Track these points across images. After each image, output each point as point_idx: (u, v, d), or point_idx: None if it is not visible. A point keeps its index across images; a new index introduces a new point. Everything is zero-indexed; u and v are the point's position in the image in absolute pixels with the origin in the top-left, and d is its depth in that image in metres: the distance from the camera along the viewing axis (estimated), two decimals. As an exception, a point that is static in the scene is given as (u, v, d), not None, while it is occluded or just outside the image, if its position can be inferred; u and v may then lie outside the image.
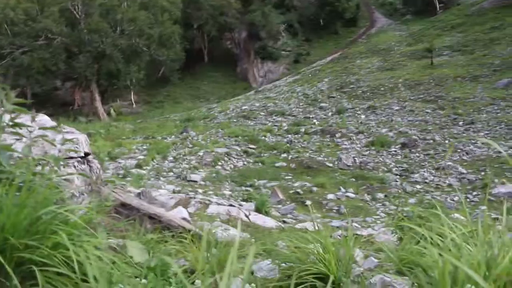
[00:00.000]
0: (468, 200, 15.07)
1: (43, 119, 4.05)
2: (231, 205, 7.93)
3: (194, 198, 8.75)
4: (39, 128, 2.47)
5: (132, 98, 55.88)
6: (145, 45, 48.97)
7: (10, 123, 1.91)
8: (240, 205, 10.02)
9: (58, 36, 45.21)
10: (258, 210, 8.29)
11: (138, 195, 5.22)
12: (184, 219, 3.49)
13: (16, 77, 45.62)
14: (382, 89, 37.59)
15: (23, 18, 44.08)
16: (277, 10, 66.99)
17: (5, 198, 1.46)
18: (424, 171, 19.12)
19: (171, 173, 18.88)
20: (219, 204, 6.87)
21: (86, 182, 3.55)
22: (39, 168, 1.89)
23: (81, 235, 1.63)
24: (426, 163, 20.48)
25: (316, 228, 3.38)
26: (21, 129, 1.97)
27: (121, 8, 47.31)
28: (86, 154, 4.01)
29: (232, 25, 67.53)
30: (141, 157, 22.12)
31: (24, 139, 2.06)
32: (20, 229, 1.49)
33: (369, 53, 52.28)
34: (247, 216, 5.46)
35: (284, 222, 7.81)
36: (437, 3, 63.56)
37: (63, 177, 1.96)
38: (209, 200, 8.57)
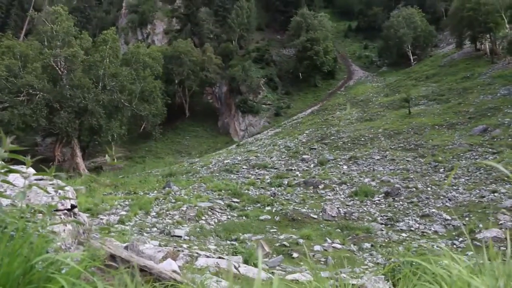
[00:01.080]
0: (454, 246, 15.00)
1: (29, 171, 3.94)
2: (220, 257, 7.72)
3: (182, 251, 8.51)
4: (32, 175, 2.39)
5: (113, 154, 55.46)
6: (127, 100, 49.23)
7: (3, 170, 1.84)
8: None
9: (40, 92, 45.19)
10: (246, 262, 8.09)
11: (126, 248, 5.03)
12: (174, 271, 3.36)
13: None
14: (362, 139, 38.09)
15: (5, 75, 44.09)
16: (257, 65, 68.61)
17: None
18: (409, 219, 19.10)
19: (155, 229, 18.48)
20: (208, 256, 6.67)
21: (73, 235, 3.43)
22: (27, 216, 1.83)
23: (78, 284, 1.54)
24: (411, 211, 20.50)
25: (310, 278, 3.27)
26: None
27: (103, 64, 47.76)
28: (73, 207, 3.90)
29: (213, 80, 68.76)
30: (124, 212, 21.68)
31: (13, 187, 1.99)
32: (12, 279, 1.42)
33: (349, 105, 53.35)
34: (237, 268, 5.29)
35: (273, 273, 7.60)
36: (411, 55, 65.87)
37: (50, 228, 1.88)
38: (197, 253, 8.33)
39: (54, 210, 3.36)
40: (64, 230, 3.41)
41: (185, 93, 68.93)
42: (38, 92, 45.41)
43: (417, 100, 45.67)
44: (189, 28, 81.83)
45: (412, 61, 65.31)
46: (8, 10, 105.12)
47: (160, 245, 10.94)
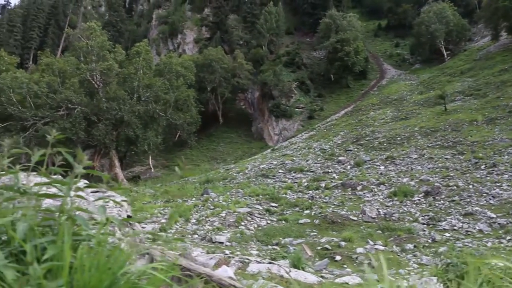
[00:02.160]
0: (502, 245, 14.65)
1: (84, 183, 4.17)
2: (270, 262, 7.85)
3: (233, 257, 8.69)
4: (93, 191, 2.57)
5: (150, 163, 56.60)
6: (162, 110, 50.17)
7: (83, 186, 2.01)
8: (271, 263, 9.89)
9: (78, 105, 46.64)
10: (294, 266, 8.19)
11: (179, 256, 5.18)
12: (230, 278, 3.50)
13: (37, 147, 46.71)
14: (398, 138, 37.59)
15: (45, 91, 45.74)
16: (288, 69, 68.66)
17: (86, 260, 1.55)
18: (452, 218, 18.74)
19: (196, 236, 18.77)
20: (259, 262, 6.81)
21: (132, 245, 3.59)
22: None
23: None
24: (453, 209, 20.11)
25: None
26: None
27: (137, 76, 48.89)
28: (128, 217, 4.10)
29: (245, 86, 69.30)
30: (164, 220, 22.10)
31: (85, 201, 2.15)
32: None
33: (382, 104, 52.78)
34: (288, 273, 5.40)
35: (322, 277, 7.66)
36: (444, 51, 64.64)
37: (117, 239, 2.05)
38: (247, 259, 8.48)
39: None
40: (123, 241, 3.58)
41: (217, 100, 69.70)
42: (76, 106, 46.83)
43: (452, 96, 44.76)
44: (219, 36, 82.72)
45: (445, 56, 64.09)
46: (46, 29, 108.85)
47: (208, 252, 11.16)
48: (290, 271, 5.73)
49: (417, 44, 69.19)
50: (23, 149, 2.31)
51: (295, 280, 5.31)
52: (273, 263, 7.41)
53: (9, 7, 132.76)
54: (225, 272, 3.57)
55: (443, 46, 64.99)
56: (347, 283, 6.65)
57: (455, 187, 23.30)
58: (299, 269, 7.20)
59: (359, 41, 67.48)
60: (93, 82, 49.17)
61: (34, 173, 2.40)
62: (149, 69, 51.79)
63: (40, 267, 1.44)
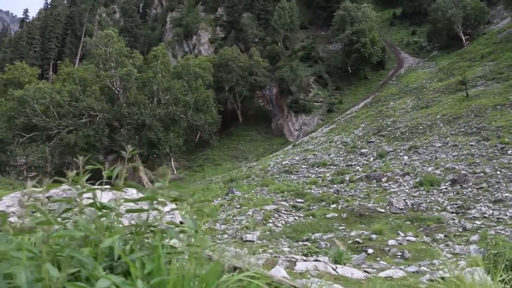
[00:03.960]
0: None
1: (132, 192, 4.34)
2: (316, 260, 7.98)
3: (279, 257, 8.84)
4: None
5: (173, 165, 57.13)
6: (182, 112, 50.57)
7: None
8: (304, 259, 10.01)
9: (100, 112, 47.33)
10: (336, 262, 8.30)
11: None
12: (285, 278, 3.63)
13: (61, 155, 47.75)
14: (420, 127, 37.24)
15: (67, 100, 46.54)
16: (304, 63, 68.56)
17: (185, 274, 1.66)
18: (481, 206, 18.58)
19: (226, 235, 18.99)
20: (305, 260, 6.94)
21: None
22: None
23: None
24: (481, 197, 19.91)
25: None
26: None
27: (156, 79, 49.40)
28: (181, 223, 4.26)
29: (262, 83, 69.40)
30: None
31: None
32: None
33: (402, 94, 52.33)
34: (334, 270, 5.50)
35: (365, 272, 7.75)
36: (463, 36, 63.68)
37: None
38: (293, 258, 8.61)
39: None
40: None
41: (236, 98, 69.97)
42: (98, 113, 47.53)
43: (474, 81, 44.10)
44: (234, 35, 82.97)
45: (464, 41, 63.10)
46: (63, 40, 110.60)
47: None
48: (336, 267, 5.84)
49: (434, 31, 68.32)
50: (96, 165, 2.44)
51: (343, 276, 5.43)
52: (318, 261, 7.53)
53: (28, 20, 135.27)
54: (279, 272, 3.71)
55: (461, 31, 64.00)
56: (391, 277, 6.73)
57: (482, 174, 23.04)
58: (340, 264, 7.30)
59: (374, 32, 66.98)
60: (113, 88, 49.84)
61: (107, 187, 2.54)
62: (167, 72, 52.27)
63: (150, 283, 1.56)
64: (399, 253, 12.24)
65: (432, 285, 3.24)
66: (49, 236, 1.69)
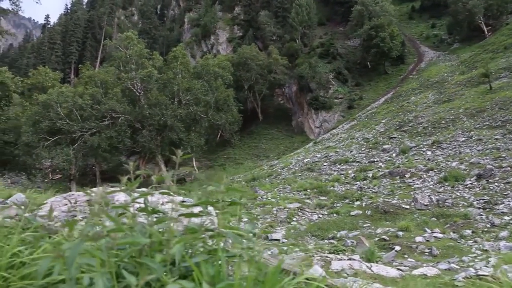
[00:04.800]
0: None
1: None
2: (350, 258, 8.04)
3: (313, 256, 8.91)
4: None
5: (194, 165, 57.53)
6: (203, 111, 50.93)
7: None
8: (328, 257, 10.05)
9: (122, 114, 48.00)
10: (368, 260, 8.34)
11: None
12: (325, 277, 3.71)
13: (84, 157, 48.58)
14: (443, 122, 36.81)
15: (90, 103, 47.31)
16: (323, 60, 68.30)
17: (247, 278, 1.74)
18: (509, 201, 18.30)
19: (251, 234, 19.06)
20: (339, 259, 7.00)
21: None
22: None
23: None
24: (509, 191, 19.59)
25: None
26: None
27: (177, 80, 49.85)
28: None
29: (282, 81, 69.40)
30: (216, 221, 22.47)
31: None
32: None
33: (423, 88, 51.75)
34: (369, 268, 5.55)
35: (399, 270, 7.76)
36: (485, 27, 62.62)
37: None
38: (327, 257, 8.68)
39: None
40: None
41: (255, 97, 70.12)
42: (120, 115, 48.21)
43: (497, 73, 43.34)
44: (251, 33, 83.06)
45: (486, 33, 62.03)
46: (83, 43, 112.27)
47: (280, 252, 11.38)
48: (371, 266, 5.89)
49: (455, 23, 67.34)
50: (146, 171, 2.54)
51: (378, 274, 5.48)
52: (353, 259, 7.58)
53: (49, 26, 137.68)
54: (317, 272, 3.79)
55: (482, 22, 62.94)
56: (425, 275, 6.75)
57: (509, 168, 22.66)
58: (373, 263, 7.35)
59: (393, 26, 66.37)
60: (134, 90, 50.48)
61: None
62: (187, 72, 52.73)
63: (217, 287, 1.65)
64: (427, 250, 12.18)
65: (471, 283, 3.29)
66: (115, 242, 1.79)
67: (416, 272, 7.21)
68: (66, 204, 5.11)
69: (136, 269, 1.71)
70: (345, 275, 6.17)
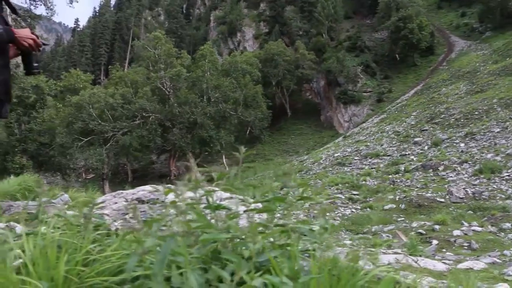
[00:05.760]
0: None
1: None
2: (395, 252, 8.06)
3: (359, 249, 8.92)
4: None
5: (224, 162, 57.95)
6: (232, 108, 51.29)
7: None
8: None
9: (152, 113, 48.79)
10: (411, 254, 8.33)
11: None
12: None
13: (116, 156, 49.59)
14: (476, 113, 36.04)
15: (121, 103, 48.23)
16: (351, 54, 67.70)
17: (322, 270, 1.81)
18: (549, 192, 17.91)
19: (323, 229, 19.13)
20: (384, 253, 7.04)
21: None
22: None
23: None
24: (548, 183, 19.18)
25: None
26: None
27: (205, 78, 50.34)
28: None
29: (309, 76, 69.15)
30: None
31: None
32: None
33: (454, 79, 50.73)
34: (416, 262, 5.58)
35: (444, 264, 7.72)
36: (518, 14, 60.90)
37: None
38: (371, 250, 8.68)
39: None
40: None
41: (283, 93, 70.11)
42: (150, 114, 49.01)
43: (532, 61, 42.23)
44: (278, 29, 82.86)
45: (520, 20, 60.29)
46: (112, 45, 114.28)
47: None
48: (417, 260, 5.91)
49: (486, 11, 65.57)
50: (207, 169, 2.63)
51: (426, 268, 5.51)
52: (398, 253, 7.60)
53: (79, 29, 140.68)
54: (367, 265, 3.83)
55: (516, 9, 61.20)
56: (471, 269, 6.73)
57: (547, 159, 22.16)
58: (416, 256, 7.35)
59: (422, 16, 65.19)
60: (164, 89, 51.21)
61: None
62: (215, 70, 53.19)
63: (299, 281, 1.73)
64: (465, 244, 12.05)
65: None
66: (197, 239, 1.89)
67: (461, 265, 7.17)
68: (116, 203, 5.31)
69: (217, 265, 1.80)
70: (392, 269, 6.14)
